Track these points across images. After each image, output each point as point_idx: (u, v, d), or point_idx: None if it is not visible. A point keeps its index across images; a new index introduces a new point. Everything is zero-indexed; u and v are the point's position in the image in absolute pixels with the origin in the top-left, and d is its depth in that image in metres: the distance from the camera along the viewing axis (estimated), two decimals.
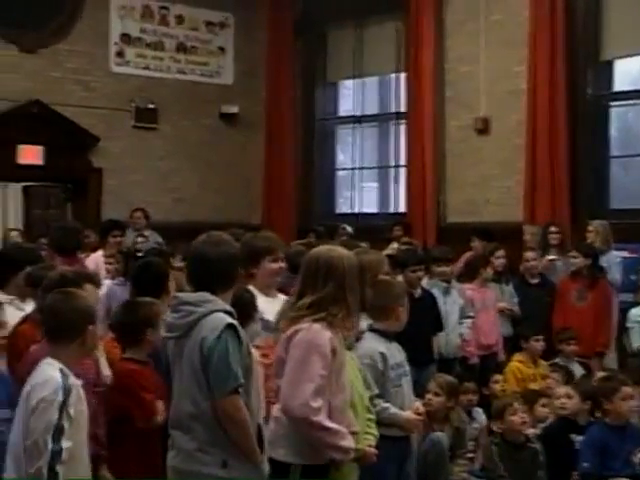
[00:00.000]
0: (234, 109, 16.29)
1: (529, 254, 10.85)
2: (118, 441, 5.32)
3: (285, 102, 16.19)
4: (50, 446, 4.06)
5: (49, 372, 4.24)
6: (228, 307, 4.48)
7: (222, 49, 16.42)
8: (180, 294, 4.60)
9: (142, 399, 5.38)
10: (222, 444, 4.34)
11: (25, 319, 5.67)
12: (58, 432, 4.08)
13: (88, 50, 14.95)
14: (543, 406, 7.93)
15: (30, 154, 14.34)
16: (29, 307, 5.88)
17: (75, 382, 4.26)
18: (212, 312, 4.39)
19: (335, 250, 4.88)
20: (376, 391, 5.62)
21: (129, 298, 6.24)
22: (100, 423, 5.14)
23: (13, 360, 5.27)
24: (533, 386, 8.80)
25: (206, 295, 4.44)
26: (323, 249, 4.94)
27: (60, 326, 4.39)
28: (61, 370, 4.23)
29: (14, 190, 16.52)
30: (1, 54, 14.17)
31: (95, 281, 5.66)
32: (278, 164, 16.19)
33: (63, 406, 4.12)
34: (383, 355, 5.74)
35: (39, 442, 4.07)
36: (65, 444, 4.10)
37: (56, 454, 4.06)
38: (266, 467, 4.49)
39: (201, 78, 16.17)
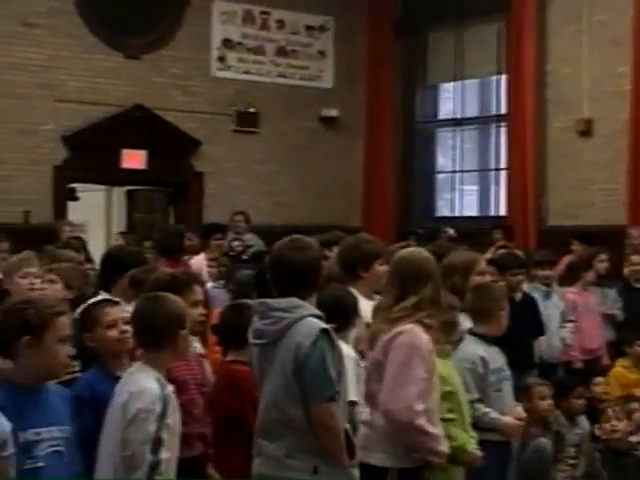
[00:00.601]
0: (334, 112, 16.33)
1: (634, 257, 10.65)
2: (228, 441, 5.33)
3: (385, 105, 16.18)
4: (149, 458, 4.03)
5: (145, 381, 4.19)
6: (318, 311, 4.43)
7: (322, 53, 16.48)
8: (268, 300, 4.49)
9: (256, 399, 5.41)
10: (313, 450, 4.30)
11: (129, 322, 5.74)
12: (157, 443, 4.05)
13: (190, 55, 15.15)
14: None
15: (133, 158, 14.58)
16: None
17: (170, 391, 4.22)
18: (304, 317, 4.34)
19: (424, 252, 4.90)
20: (476, 395, 5.59)
21: (230, 301, 6.28)
22: (207, 423, 5.15)
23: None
24: (637, 392, 8.64)
25: (295, 300, 4.37)
26: (415, 251, 4.95)
27: (152, 332, 4.33)
28: (158, 379, 4.20)
29: (118, 194, 16.83)
30: (106, 60, 14.44)
31: (202, 282, 5.69)
32: (378, 167, 16.19)
33: (161, 417, 4.08)
34: (483, 359, 5.71)
35: (138, 454, 4.04)
36: (164, 455, 4.07)
37: (155, 465, 4.03)
38: (356, 472, 4.45)
39: (301, 82, 16.25)
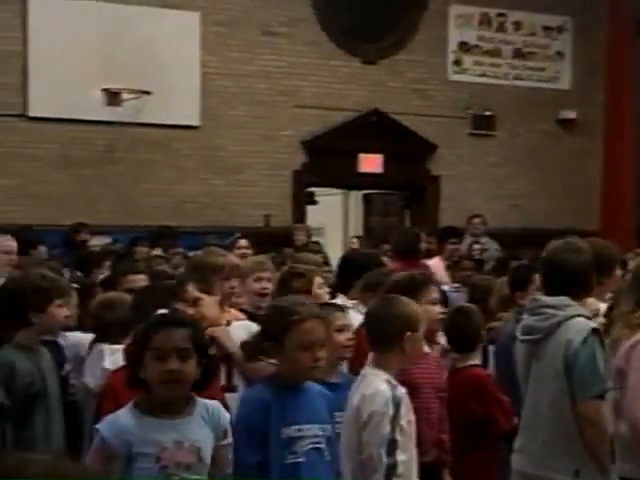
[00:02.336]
0: (572, 114, 16.00)
1: None
2: (469, 447, 5.30)
3: (626, 105, 15.71)
4: (385, 460, 4.04)
5: (376, 384, 4.18)
6: (587, 313, 4.47)
7: (560, 53, 16.18)
8: (540, 297, 4.60)
9: (502, 401, 5.40)
10: (575, 452, 4.29)
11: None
12: (392, 445, 4.06)
13: (426, 59, 15.21)
14: None
15: (370, 162, 14.77)
16: None
17: (402, 392, 4.22)
18: (574, 316, 4.40)
19: None
20: None
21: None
22: (444, 428, 5.15)
23: (356, 360, 5.40)
24: None
25: (566, 299, 4.44)
26: None
27: (380, 333, 4.33)
28: (388, 381, 4.18)
29: (355, 198, 17.06)
30: (344, 66, 14.70)
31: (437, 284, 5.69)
32: (617, 169, 15.73)
33: (394, 419, 4.09)
34: None
35: (374, 456, 4.06)
36: (400, 457, 4.07)
37: (391, 468, 4.04)
38: (616, 479, 4.40)
39: (538, 84, 16.01)
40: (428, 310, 5.02)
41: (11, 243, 7.82)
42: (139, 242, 10.97)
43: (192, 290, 4.87)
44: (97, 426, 3.58)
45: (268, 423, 3.87)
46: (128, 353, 3.67)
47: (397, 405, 4.12)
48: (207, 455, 3.62)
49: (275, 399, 3.91)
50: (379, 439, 4.07)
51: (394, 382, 4.22)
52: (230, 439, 3.75)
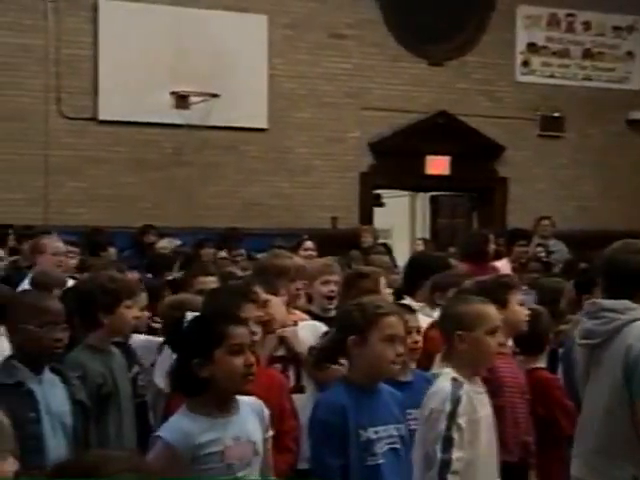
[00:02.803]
0: None
1: None
2: (540, 449, 5.27)
3: None
4: (439, 456, 4.03)
5: (440, 381, 4.22)
6: None
7: (630, 54, 15.99)
8: (599, 300, 4.43)
9: (566, 405, 5.36)
10: (634, 458, 4.16)
11: (433, 325, 5.80)
12: (447, 442, 4.04)
13: (494, 61, 15.13)
14: None
15: (437, 164, 14.74)
16: (436, 313, 5.99)
17: (469, 390, 4.20)
18: (636, 320, 4.23)
19: None
20: None
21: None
22: (528, 430, 5.07)
23: (423, 362, 5.41)
24: None
25: (628, 303, 4.27)
26: None
27: (443, 331, 4.43)
28: (454, 379, 4.18)
29: (422, 200, 17.01)
30: (411, 68, 14.69)
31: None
32: None
33: (451, 417, 4.08)
34: None
35: (430, 452, 4.07)
36: (455, 454, 4.04)
37: (445, 464, 4.02)
38: None
39: (607, 84, 15.85)
40: (516, 312, 5.04)
41: (59, 244, 7.91)
42: (205, 244, 11.06)
43: (260, 292, 4.90)
44: (159, 433, 3.60)
45: (347, 426, 3.88)
46: (189, 352, 3.63)
47: (455, 403, 4.11)
48: (260, 449, 3.68)
49: (351, 401, 3.92)
50: (435, 436, 4.08)
51: (461, 380, 4.21)
52: (271, 432, 3.80)
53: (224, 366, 3.56)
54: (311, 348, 4.34)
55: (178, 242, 10.38)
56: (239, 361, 3.57)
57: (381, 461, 3.93)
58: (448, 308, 4.52)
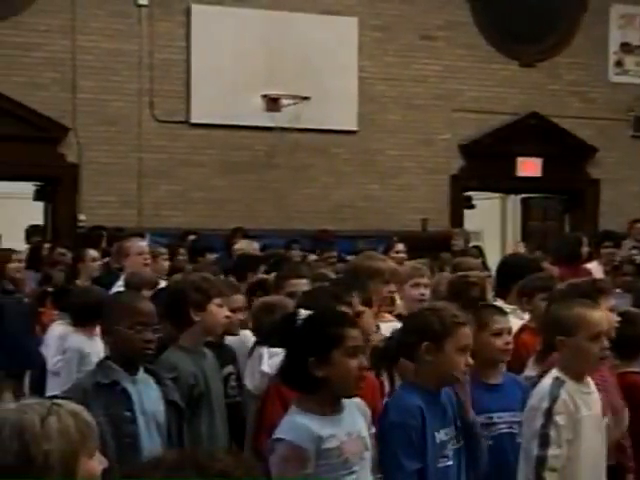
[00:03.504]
0: None
1: None
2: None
3: None
4: (535, 453, 4.04)
5: (543, 380, 4.22)
6: None
7: None
8: None
9: None
10: None
11: (524, 328, 5.76)
12: (543, 439, 4.04)
13: (586, 61, 14.96)
14: None
15: (529, 166, 14.62)
16: (527, 316, 5.94)
17: (574, 390, 4.16)
18: None
19: None
20: None
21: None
22: (624, 433, 4.96)
23: (514, 365, 5.38)
24: None
25: None
26: None
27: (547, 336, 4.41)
28: (555, 378, 4.17)
29: (513, 202, 16.87)
30: (502, 69, 14.60)
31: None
32: None
33: (548, 414, 4.07)
34: None
35: (527, 449, 4.10)
36: (552, 451, 4.03)
37: (541, 461, 4.02)
38: None
39: None
40: (607, 317, 4.96)
41: (142, 244, 8.03)
42: (293, 246, 11.11)
43: (356, 302, 4.84)
44: (279, 435, 3.58)
45: (424, 428, 3.86)
46: (304, 351, 3.64)
47: (552, 400, 4.10)
48: (369, 443, 3.72)
49: (425, 404, 3.91)
50: (532, 433, 4.09)
51: (563, 378, 4.20)
52: (373, 429, 3.83)
53: (340, 367, 3.58)
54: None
55: (256, 245, 10.44)
56: (355, 363, 3.60)
57: (450, 463, 3.93)
58: (549, 312, 4.48)
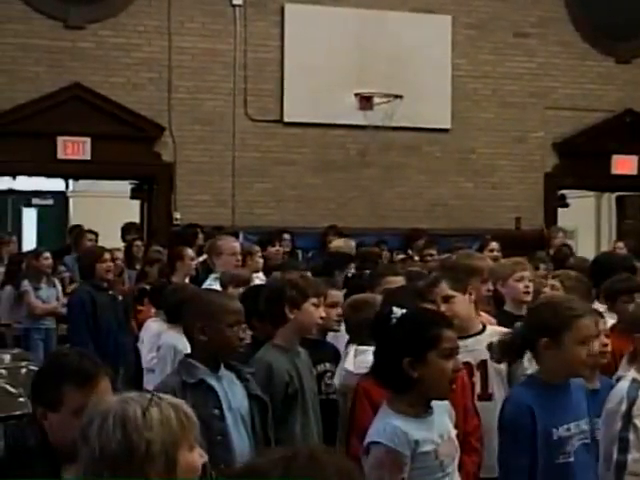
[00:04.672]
0: None
1: None
2: None
3: None
4: (615, 457, 3.96)
5: (621, 383, 4.16)
6: None
7: None
8: None
9: None
10: None
11: (612, 328, 5.68)
12: (623, 443, 3.96)
13: None
14: None
15: (624, 164, 14.42)
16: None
17: None
18: None
19: None
20: None
21: None
22: None
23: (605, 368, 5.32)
24: None
25: None
26: None
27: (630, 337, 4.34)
28: (633, 380, 4.10)
29: (608, 200, 16.64)
30: (597, 66, 14.40)
31: None
32: None
33: (626, 417, 3.99)
34: None
35: (606, 454, 4.00)
36: (632, 455, 3.95)
37: (621, 466, 3.94)
38: None
39: None
40: None
41: (235, 244, 8.07)
42: (381, 246, 11.07)
43: (445, 287, 4.85)
44: (375, 439, 3.57)
45: (534, 425, 3.82)
46: (399, 350, 3.63)
47: (631, 403, 4.02)
48: (457, 444, 3.75)
49: (541, 400, 3.87)
50: (611, 436, 4.01)
51: None
52: (455, 430, 3.84)
53: (435, 368, 3.58)
54: (490, 344, 4.27)
55: (352, 243, 10.47)
56: (449, 365, 3.60)
57: (572, 459, 3.86)
58: (634, 311, 4.44)
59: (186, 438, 2.50)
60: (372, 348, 3.96)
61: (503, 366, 4.77)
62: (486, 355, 4.56)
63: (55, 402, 3.08)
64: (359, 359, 4.82)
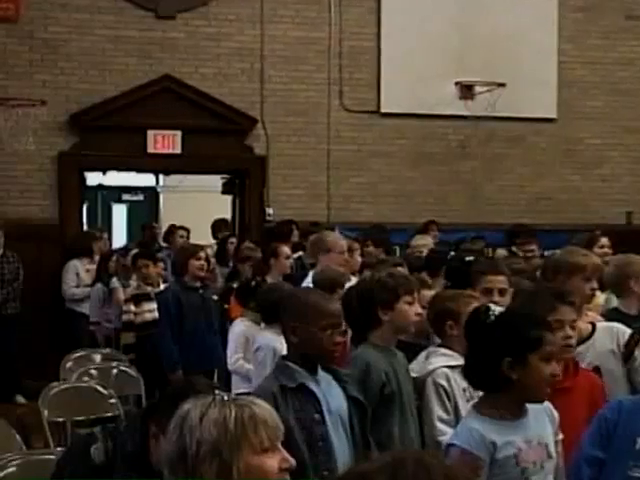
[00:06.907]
0: None
1: None
2: None
3: None
4: None
5: None
6: None
7: None
8: None
9: None
10: None
11: None
12: None
13: None
14: None
15: None
16: None
17: None
18: None
19: None
20: None
21: None
22: None
23: None
24: None
25: None
26: None
27: None
28: None
29: None
30: None
31: None
32: None
33: None
34: None
35: None
36: None
37: None
38: None
39: None
40: None
41: (343, 243, 7.85)
42: (476, 241, 10.81)
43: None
44: (452, 440, 3.61)
45: (617, 425, 3.67)
46: (498, 351, 3.56)
47: None
48: (553, 450, 3.66)
49: (636, 407, 3.73)
50: None
51: None
52: (561, 435, 3.79)
53: (535, 371, 3.54)
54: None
55: (430, 240, 10.18)
56: (549, 369, 3.57)
57: None
58: None
59: (248, 439, 2.48)
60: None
61: (615, 367, 4.77)
62: (599, 361, 4.66)
63: None
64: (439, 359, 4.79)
